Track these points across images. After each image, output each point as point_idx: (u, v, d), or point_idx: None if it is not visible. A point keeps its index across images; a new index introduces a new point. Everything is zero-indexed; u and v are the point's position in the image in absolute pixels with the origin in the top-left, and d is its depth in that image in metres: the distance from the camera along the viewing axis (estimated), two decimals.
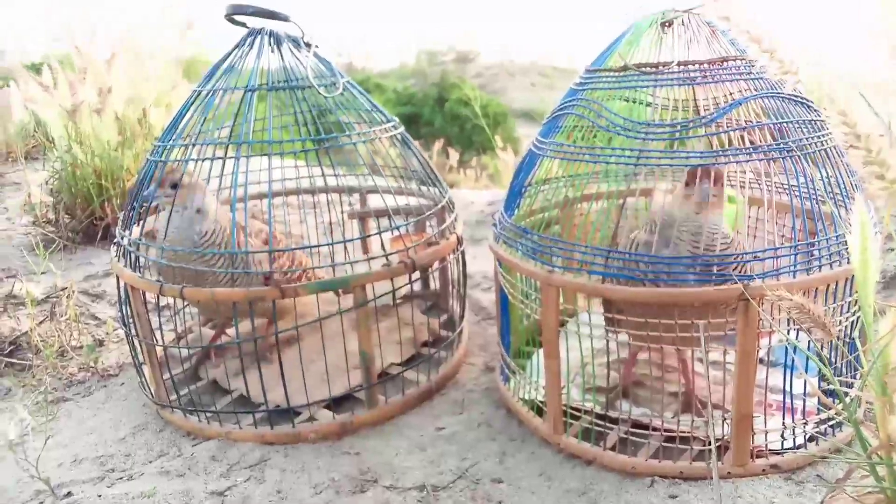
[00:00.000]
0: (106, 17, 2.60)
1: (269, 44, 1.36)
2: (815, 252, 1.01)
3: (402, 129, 1.47)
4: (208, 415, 1.33)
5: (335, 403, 1.36)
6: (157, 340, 1.38)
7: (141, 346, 1.37)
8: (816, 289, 1.01)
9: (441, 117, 13.93)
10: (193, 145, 1.31)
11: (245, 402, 1.37)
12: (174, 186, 1.32)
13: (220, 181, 1.58)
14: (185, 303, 1.60)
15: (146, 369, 1.39)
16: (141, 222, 1.42)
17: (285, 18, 1.34)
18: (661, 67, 1.12)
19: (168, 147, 1.34)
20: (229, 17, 1.35)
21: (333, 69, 1.40)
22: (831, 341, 1.10)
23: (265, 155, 1.26)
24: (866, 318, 0.78)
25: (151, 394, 1.39)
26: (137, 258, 1.32)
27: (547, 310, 1.13)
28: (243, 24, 1.39)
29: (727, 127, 1.08)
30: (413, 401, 1.38)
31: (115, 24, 2.58)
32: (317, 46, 1.38)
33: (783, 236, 1.32)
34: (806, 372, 1.11)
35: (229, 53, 1.38)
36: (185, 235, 1.30)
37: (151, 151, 1.37)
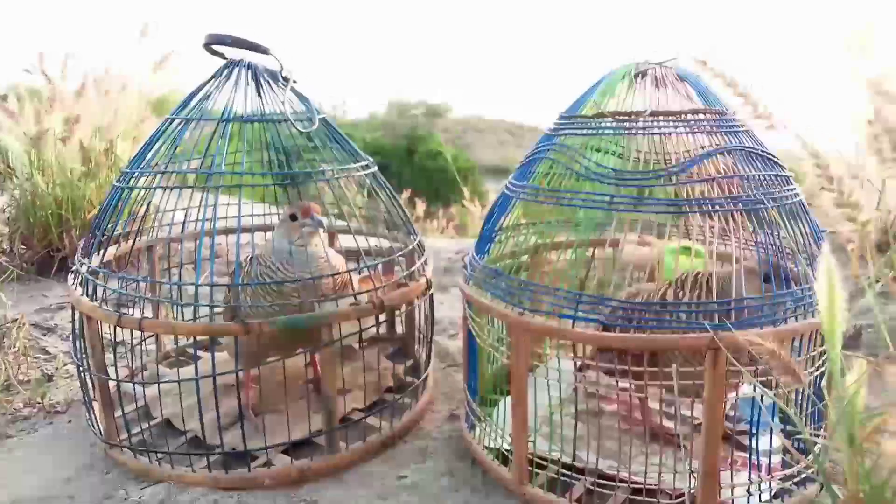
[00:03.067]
0: (79, 48, 2.57)
1: (247, 76, 1.35)
2: (783, 304, 1.02)
3: (375, 168, 1.47)
4: (159, 456, 1.27)
5: (294, 448, 1.31)
6: (109, 375, 1.32)
7: (93, 381, 1.31)
8: (782, 342, 1.01)
9: (410, 169, 14.07)
10: (163, 174, 1.28)
11: (199, 444, 1.31)
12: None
13: (187, 213, 1.56)
14: (143, 337, 1.55)
15: (96, 406, 1.33)
16: (102, 251, 1.38)
17: (265, 51, 1.34)
18: (634, 116, 1.14)
19: (136, 175, 1.31)
20: (207, 47, 1.34)
21: (310, 105, 1.40)
22: (796, 394, 1.12)
23: (236, 186, 1.24)
24: (833, 369, 0.78)
25: (100, 432, 1.33)
26: (96, 287, 1.28)
27: (517, 354, 1.12)
28: (221, 55, 1.38)
29: (695, 178, 1.09)
30: (375, 448, 1.34)
31: (87, 55, 2.56)
32: (295, 81, 1.37)
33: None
34: (770, 426, 1.10)
35: (205, 83, 1.37)
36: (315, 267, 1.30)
37: (118, 178, 1.34)
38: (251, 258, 1.36)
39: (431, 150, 15.10)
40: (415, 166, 14.50)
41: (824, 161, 0.59)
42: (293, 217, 1.32)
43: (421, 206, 5.46)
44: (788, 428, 1.14)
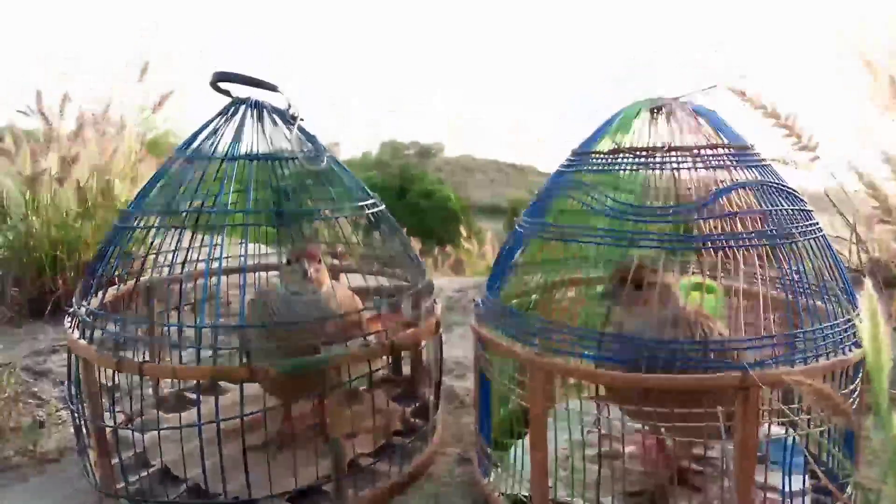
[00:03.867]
0: (77, 87, 2.56)
1: (254, 114, 1.33)
2: (814, 341, 0.99)
3: (382, 206, 1.44)
4: None
5: (300, 496, 1.25)
6: (106, 421, 1.27)
7: (88, 427, 1.25)
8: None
9: (403, 208, 14.11)
10: (167, 213, 1.25)
11: (200, 493, 1.25)
12: (319, 262, 1.30)
13: (188, 253, 1.52)
14: (142, 381, 1.49)
15: (91, 454, 1.27)
16: (101, 293, 1.33)
17: (273, 88, 1.32)
18: (651, 152, 1.13)
19: (138, 215, 1.28)
20: (214, 85, 1.32)
21: (317, 143, 1.38)
22: (828, 433, 1.08)
23: (240, 225, 1.21)
24: (880, 406, 0.74)
25: (95, 481, 1.27)
26: (94, 330, 1.23)
27: (534, 395, 1.07)
28: (227, 93, 1.36)
29: (717, 213, 1.07)
30: (384, 495, 1.28)
31: (85, 95, 2.55)
32: (302, 119, 1.35)
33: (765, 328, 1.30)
34: (794, 467, 1.06)
35: (210, 121, 1.34)
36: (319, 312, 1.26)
37: (119, 218, 1.31)
38: (253, 299, 1.32)
39: (424, 189, 15.20)
40: (408, 205, 14.56)
41: (881, 192, 0.56)
42: (288, 262, 1.29)
43: (415, 246, 5.44)
44: (821, 468, 1.10)
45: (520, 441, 1.26)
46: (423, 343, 1.42)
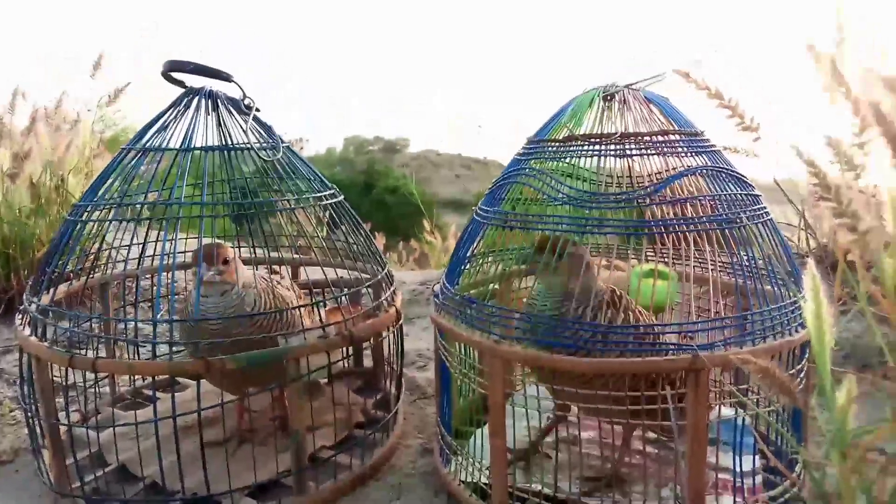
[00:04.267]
0: (29, 82, 2.50)
1: (207, 104, 1.31)
2: (762, 323, 1.01)
3: (341, 197, 1.43)
4: None
5: (260, 490, 1.24)
6: (60, 420, 1.24)
7: (42, 426, 1.23)
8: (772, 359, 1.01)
9: (368, 203, 14.02)
10: (119, 206, 1.23)
11: (158, 490, 1.23)
12: (226, 262, 1.23)
13: (143, 248, 1.50)
14: (97, 378, 1.47)
15: (46, 454, 1.25)
16: (52, 289, 1.30)
17: (228, 78, 1.30)
18: (604, 139, 1.14)
19: (90, 208, 1.25)
20: (166, 75, 1.30)
21: (273, 133, 1.36)
22: (776, 413, 1.11)
23: (196, 217, 1.19)
24: (824, 385, 0.77)
25: (50, 481, 1.24)
26: (46, 327, 1.21)
27: (493, 383, 1.08)
28: (181, 83, 1.34)
29: (668, 198, 1.09)
30: (346, 487, 1.28)
31: (38, 89, 2.48)
32: (258, 109, 1.34)
33: (717, 312, 1.33)
34: (745, 447, 1.08)
35: (163, 112, 1.32)
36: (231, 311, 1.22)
37: (71, 211, 1.28)
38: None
39: (389, 185, 15.13)
40: (373, 201, 14.48)
41: (821, 170, 0.58)
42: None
43: (380, 240, 5.42)
44: (771, 449, 1.13)
45: (479, 430, 1.27)
46: (384, 334, 1.42)
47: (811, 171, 0.60)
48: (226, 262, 1.22)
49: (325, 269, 1.39)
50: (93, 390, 1.50)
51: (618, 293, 1.13)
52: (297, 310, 1.29)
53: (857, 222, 0.58)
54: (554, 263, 1.09)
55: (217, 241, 1.31)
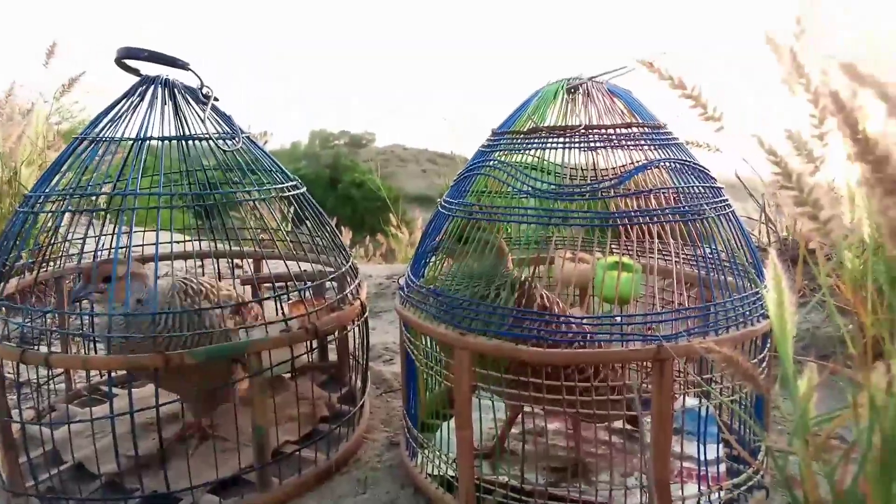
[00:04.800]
0: None
1: (164, 93, 1.27)
2: (724, 313, 1.02)
3: (303, 189, 1.41)
4: (71, 503, 1.15)
5: (222, 487, 1.22)
6: (13, 418, 1.20)
7: None
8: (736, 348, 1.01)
9: (334, 198, 13.93)
10: (71, 197, 1.19)
11: (116, 488, 1.20)
12: (107, 280, 1.17)
13: (98, 240, 1.46)
14: (50, 374, 1.43)
15: None
16: (3, 283, 1.26)
17: (184, 66, 1.26)
18: (568, 131, 1.14)
19: (42, 199, 1.21)
20: (120, 62, 1.26)
21: (233, 123, 1.33)
22: (739, 402, 1.12)
23: (153, 208, 1.16)
24: (786, 373, 0.77)
25: (3, 481, 1.20)
26: None
27: (459, 375, 1.07)
28: (136, 71, 1.30)
29: (632, 191, 1.09)
30: (311, 481, 1.26)
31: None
32: (216, 99, 1.30)
33: (681, 303, 1.34)
34: (709, 436, 1.10)
35: (118, 101, 1.28)
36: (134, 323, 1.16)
37: (21, 202, 1.24)
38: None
39: (355, 180, 15.05)
40: (339, 196, 14.39)
41: (782, 158, 0.58)
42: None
43: (346, 235, 5.39)
44: (734, 437, 1.15)
45: (446, 423, 1.26)
46: (349, 327, 1.40)
47: (772, 159, 0.60)
48: (107, 279, 1.17)
49: (287, 262, 1.36)
50: (47, 387, 1.45)
51: (523, 279, 1.15)
52: (223, 309, 1.26)
53: (819, 211, 0.58)
54: (471, 248, 1.12)
55: (109, 258, 1.25)
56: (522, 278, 1.14)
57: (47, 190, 1.23)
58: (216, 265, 1.67)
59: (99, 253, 1.48)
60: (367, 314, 1.45)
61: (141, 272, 1.21)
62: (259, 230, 1.67)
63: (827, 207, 0.56)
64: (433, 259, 1.25)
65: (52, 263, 1.45)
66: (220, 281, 1.41)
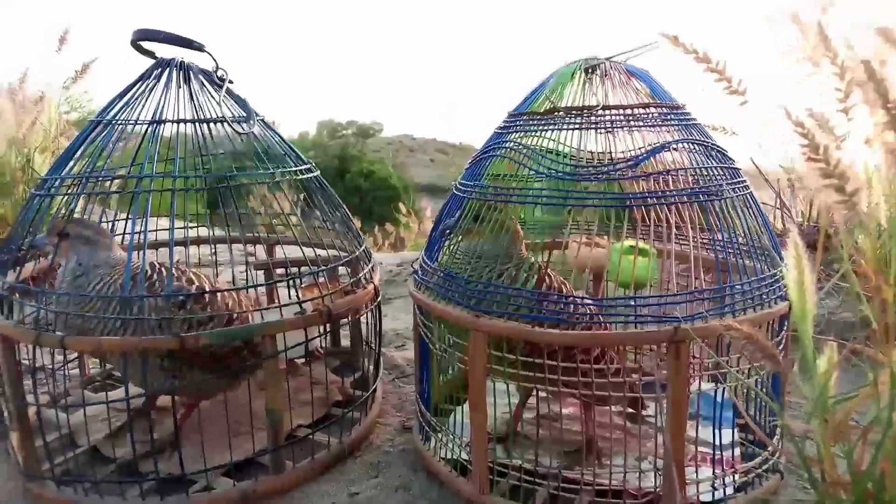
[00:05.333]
0: None
1: (179, 76, 1.27)
2: (742, 295, 1.01)
3: (317, 172, 1.41)
4: (86, 486, 1.16)
5: (236, 470, 1.22)
6: (28, 401, 1.21)
7: (9, 408, 1.19)
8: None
9: (342, 188, 13.94)
10: (87, 179, 1.19)
11: (131, 471, 1.21)
12: (62, 236, 1.18)
13: (113, 224, 1.46)
14: (66, 358, 1.44)
15: (14, 436, 1.21)
16: (18, 268, 1.27)
17: (200, 47, 1.26)
18: (586, 112, 1.13)
19: (57, 182, 1.21)
20: (136, 44, 1.25)
21: (248, 106, 1.33)
22: (755, 384, 1.12)
23: (168, 191, 1.16)
24: (806, 353, 0.77)
25: (19, 464, 1.21)
26: (12, 305, 1.17)
27: (474, 358, 1.07)
28: (151, 54, 1.29)
29: (650, 172, 1.08)
30: (324, 465, 1.27)
31: (2, 67, 2.40)
32: (231, 81, 1.30)
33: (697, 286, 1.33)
34: (724, 420, 1.09)
35: (133, 84, 1.28)
36: (70, 287, 1.16)
37: (37, 186, 1.24)
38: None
39: (364, 170, 15.06)
40: (347, 185, 14.39)
41: (809, 130, 0.57)
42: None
43: (355, 225, 5.40)
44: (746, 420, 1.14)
45: (459, 407, 1.26)
46: (362, 312, 1.40)
47: (799, 131, 0.59)
48: (62, 235, 1.19)
49: (302, 246, 1.36)
50: (62, 372, 1.46)
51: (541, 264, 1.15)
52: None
53: (845, 182, 0.57)
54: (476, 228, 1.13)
55: (77, 218, 1.24)
56: (537, 262, 1.14)
57: (63, 173, 1.23)
58: (230, 247, 1.67)
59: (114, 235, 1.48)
60: (380, 298, 1.45)
61: (100, 239, 1.22)
62: (272, 214, 1.67)
63: (854, 179, 0.55)
64: (447, 242, 1.25)
65: None
66: (233, 267, 1.41)
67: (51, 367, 1.39)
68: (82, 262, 1.19)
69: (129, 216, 1.39)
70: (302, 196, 1.46)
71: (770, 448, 1.06)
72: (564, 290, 1.13)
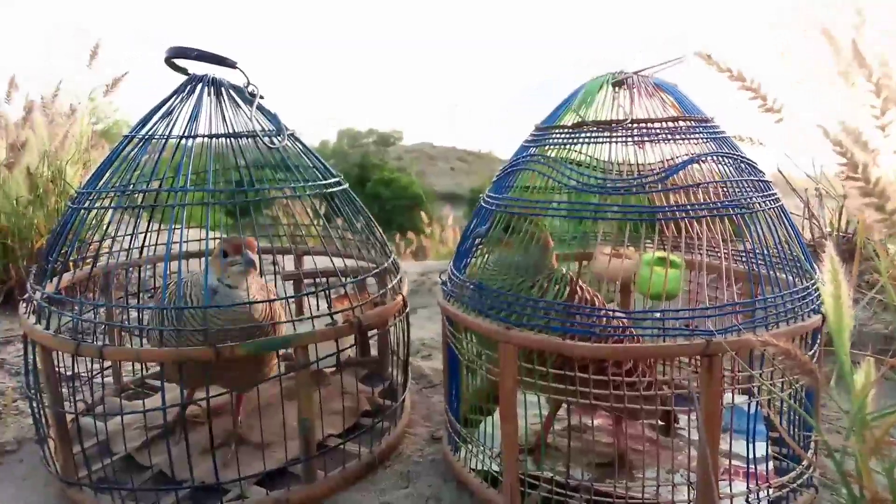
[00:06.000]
0: (25, 71, 2.47)
1: (211, 91, 1.29)
2: (774, 308, 1.01)
3: (346, 185, 1.42)
4: (123, 493, 1.18)
5: (269, 478, 1.24)
6: (66, 409, 1.23)
7: (47, 416, 1.22)
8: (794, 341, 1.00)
9: (362, 197, 14.04)
10: (122, 193, 1.21)
11: (166, 479, 1.23)
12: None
13: (146, 237, 1.49)
14: (102, 367, 1.46)
15: (52, 443, 1.24)
16: (56, 278, 1.29)
17: (232, 64, 1.28)
18: (614, 125, 1.13)
19: (93, 195, 1.24)
20: (169, 61, 1.28)
21: (279, 121, 1.35)
22: (789, 399, 1.11)
23: (203, 204, 1.18)
24: (843, 368, 0.77)
25: (57, 470, 1.23)
26: (50, 315, 1.19)
27: (504, 369, 1.07)
28: (184, 70, 1.32)
29: (679, 184, 1.08)
30: (355, 475, 1.28)
31: (34, 78, 2.46)
32: (261, 97, 1.32)
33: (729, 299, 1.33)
34: (757, 434, 1.08)
35: (167, 99, 1.30)
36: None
37: (73, 199, 1.27)
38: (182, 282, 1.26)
39: (384, 178, 15.13)
40: (367, 194, 14.49)
41: (848, 148, 0.57)
42: (224, 254, 1.22)
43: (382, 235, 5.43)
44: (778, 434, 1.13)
45: (489, 417, 1.26)
46: (391, 322, 1.41)
47: (838, 150, 0.59)
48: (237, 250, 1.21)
49: (324, 258, 1.37)
50: (98, 380, 1.49)
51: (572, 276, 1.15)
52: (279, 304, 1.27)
53: (885, 202, 0.57)
54: (505, 238, 1.13)
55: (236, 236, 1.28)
56: (568, 274, 1.14)
57: (98, 187, 1.26)
58: (260, 258, 1.69)
59: (146, 249, 1.51)
60: (408, 309, 1.46)
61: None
62: (301, 226, 1.69)
63: (893, 199, 0.55)
64: (477, 253, 1.25)
65: (100, 259, 1.48)
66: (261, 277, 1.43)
67: (86, 375, 1.43)
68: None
69: (160, 228, 1.42)
70: (330, 207, 1.47)
71: (805, 462, 1.05)
72: (597, 303, 1.13)
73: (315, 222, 1.43)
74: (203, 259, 1.21)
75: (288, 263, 1.88)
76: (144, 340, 1.33)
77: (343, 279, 1.29)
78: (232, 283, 1.22)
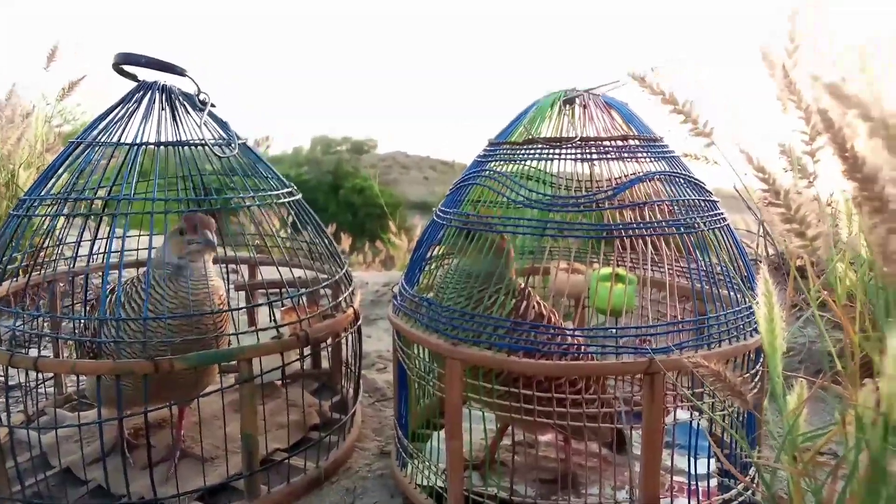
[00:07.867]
0: None
1: (161, 98, 1.27)
2: (717, 327, 1.02)
3: (299, 196, 1.41)
4: None
5: (209, 495, 1.21)
6: (1, 422, 1.19)
7: None
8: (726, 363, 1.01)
9: (335, 204, 13.95)
10: (66, 200, 1.18)
11: (103, 494, 1.20)
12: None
13: (92, 245, 1.45)
14: (39, 378, 1.42)
15: None
16: None
17: (182, 72, 1.26)
18: (564, 142, 1.13)
19: (36, 202, 1.21)
20: (118, 67, 1.26)
21: (229, 130, 1.33)
22: (730, 416, 1.12)
23: (147, 213, 1.15)
24: (775, 389, 0.77)
25: None
26: None
27: (450, 385, 1.07)
28: (133, 77, 1.30)
29: (626, 203, 1.09)
30: (300, 490, 1.25)
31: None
32: (213, 105, 1.30)
33: (674, 316, 1.34)
34: (700, 450, 1.09)
35: (115, 106, 1.28)
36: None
37: (16, 206, 1.23)
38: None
39: (357, 186, 15.07)
40: (340, 201, 14.42)
41: (771, 175, 0.58)
42: (181, 232, 1.22)
43: (346, 241, 5.39)
44: (725, 451, 1.14)
45: (436, 433, 1.25)
46: (342, 335, 1.39)
47: (760, 176, 0.60)
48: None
49: (280, 269, 1.35)
50: (37, 391, 1.45)
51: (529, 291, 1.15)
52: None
53: (806, 228, 0.58)
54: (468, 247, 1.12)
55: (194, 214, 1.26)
56: (527, 289, 1.14)
57: (42, 193, 1.23)
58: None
59: (93, 257, 1.48)
60: (360, 322, 1.44)
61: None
62: (255, 236, 1.67)
63: (814, 225, 0.56)
64: (427, 268, 1.25)
65: (44, 267, 1.45)
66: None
67: (26, 385, 1.38)
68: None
69: (109, 236, 1.39)
70: (288, 217, 1.46)
71: (744, 481, 1.06)
72: (553, 319, 1.13)
73: (268, 232, 1.41)
74: (147, 267, 1.18)
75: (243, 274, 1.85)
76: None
77: (290, 290, 1.27)
78: (192, 259, 1.22)
